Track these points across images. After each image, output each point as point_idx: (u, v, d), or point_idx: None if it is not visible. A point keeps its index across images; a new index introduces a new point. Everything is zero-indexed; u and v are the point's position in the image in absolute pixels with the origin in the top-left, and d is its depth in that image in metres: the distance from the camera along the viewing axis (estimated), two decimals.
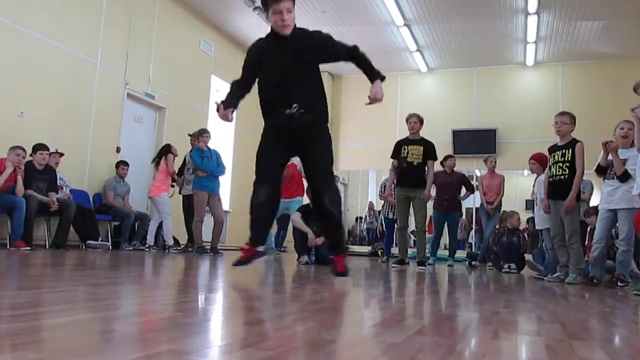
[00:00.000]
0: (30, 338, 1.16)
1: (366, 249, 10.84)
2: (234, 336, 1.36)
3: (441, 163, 7.73)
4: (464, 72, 11.08)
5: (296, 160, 6.78)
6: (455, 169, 7.82)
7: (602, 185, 4.64)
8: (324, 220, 3.39)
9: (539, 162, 5.96)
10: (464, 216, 10.94)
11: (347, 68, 11.55)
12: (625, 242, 4.38)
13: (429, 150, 6.03)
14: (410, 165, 5.97)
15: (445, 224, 7.62)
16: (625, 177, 4.37)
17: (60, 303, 1.81)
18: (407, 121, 6.22)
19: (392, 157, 6.21)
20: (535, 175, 6.26)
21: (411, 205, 6.02)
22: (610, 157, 4.45)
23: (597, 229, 4.58)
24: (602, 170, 4.52)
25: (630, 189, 4.35)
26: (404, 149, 6.08)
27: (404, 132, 10.98)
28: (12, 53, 5.97)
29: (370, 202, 11.88)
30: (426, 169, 6.03)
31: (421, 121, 6.14)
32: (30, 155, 5.80)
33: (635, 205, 4.28)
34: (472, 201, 9.43)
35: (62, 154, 6.32)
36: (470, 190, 7.77)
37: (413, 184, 5.95)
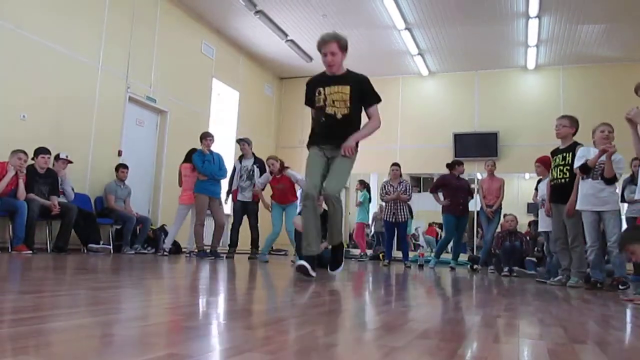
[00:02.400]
0: (31, 342, 1.16)
1: (368, 252, 10.81)
2: (234, 340, 1.36)
3: (448, 166, 7.77)
4: (465, 75, 11.08)
5: (288, 173, 6.96)
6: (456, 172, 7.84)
7: (581, 185, 4.62)
8: None
9: (544, 164, 5.98)
10: None
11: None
12: (618, 244, 4.40)
13: (363, 90, 3.86)
14: (332, 119, 3.78)
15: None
16: (613, 179, 4.41)
17: (61, 307, 1.81)
18: (319, 49, 3.80)
19: (305, 103, 3.99)
20: (537, 178, 6.29)
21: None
22: (602, 159, 4.46)
23: (588, 232, 4.57)
24: (588, 170, 4.53)
25: (614, 191, 4.53)
26: (319, 92, 3.83)
27: (405, 136, 11.13)
28: (14, 56, 5.98)
29: (381, 206, 11.87)
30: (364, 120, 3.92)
31: (342, 47, 3.78)
32: (32, 159, 5.81)
33: (617, 207, 4.51)
34: (473, 205, 9.44)
35: (70, 162, 6.32)
36: (471, 195, 7.83)
37: (337, 142, 3.79)
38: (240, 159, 7.42)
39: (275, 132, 11.90)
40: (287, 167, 7.02)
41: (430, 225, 11.80)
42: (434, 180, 8.40)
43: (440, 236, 9.90)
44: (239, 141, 7.64)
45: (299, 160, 11.45)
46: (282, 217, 7.06)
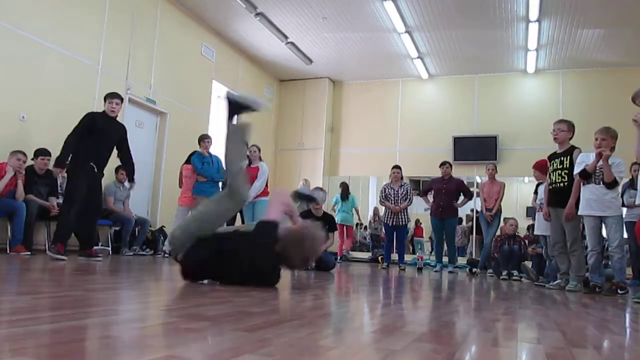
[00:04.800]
0: (29, 343, 1.16)
1: (366, 255, 10.82)
2: (233, 342, 1.36)
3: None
4: (465, 79, 11.10)
5: (263, 164, 7.00)
6: (456, 175, 7.85)
7: (583, 190, 4.63)
8: None
9: (538, 169, 6.05)
10: (464, 222, 10.95)
11: (347, 74, 11.63)
12: (619, 249, 4.43)
13: None
14: None
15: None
16: (613, 184, 4.43)
17: (59, 308, 1.81)
18: None
19: None
20: (537, 182, 6.32)
21: None
22: (599, 164, 4.47)
23: (590, 237, 4.59)
24: (588, 176, 4.54)
25: (617, 196, 4.56)
26: None
27: (404, 139, 11.14)
28: (14, 57, 5.98)
29: (375, 208, 11.83)
30: None
31: None
32: (32, 159, 5.80)
33: (620, 212, 4.53)
34: (473, 208, 9.42)
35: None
36: (468, 196, 7.78)
37: None
38: None
39: (275, 134, 11.90)
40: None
41: (418, 225, 11.77)
42: None
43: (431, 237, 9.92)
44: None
45: (299, 163, 11.49)
46: (252, 214, 7.01)
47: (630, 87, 4.36)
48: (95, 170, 5.20)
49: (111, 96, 5.29)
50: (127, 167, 5.63)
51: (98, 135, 5.14)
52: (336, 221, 9.53)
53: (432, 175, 8.13)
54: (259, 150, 7.18)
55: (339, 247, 9.74)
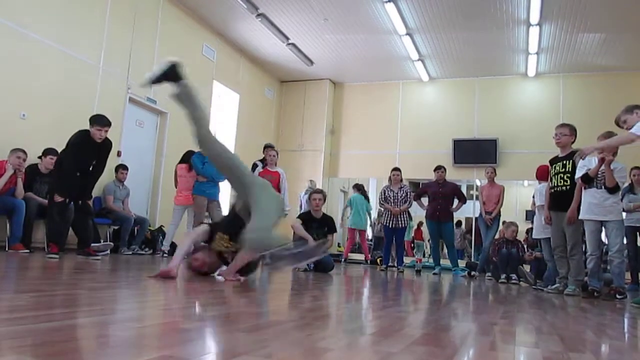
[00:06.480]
0: (27, 341, 1.16)
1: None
2: (231, 343, 1.36)
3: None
4: (466, 81, 11.10)
5: (280, 170, 7.02)
6: (456, 178, 7.84)
7: (585, 194, 4.63)
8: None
9: (537, 175, 6.09)
10: (462, 225, 10.94)
11: (348, 75, 11.64)
12: (619, 253, 4.42)
13: None
14: None
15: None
16: (615, 189, 4.43)
17: (57, 307, 1.81)
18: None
19: None
20: (537, 185, 6.34)
21: None
22: (602, 168, 4.48)
23: (589, 241, 4.59)
24: (589, 180, 4.55)
25: (618, 201, 4.56)
26: None
27: (404, 141, 11.15)
28: (14, 55, 5.98)
29: (379, 210, 11.73)
30: None
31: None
32: (39, 157, 5.82)
33: (621, 217, 4.52)
34: (471, 211, 9.42)
35: None
36: (462, 200, 7.81)
37: None
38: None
39: (275, 135, 11.89)
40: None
41: (418, 227, 11.71)
42: None
43: (429, 240, 9.91)
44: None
45: (299, 164, 11.48)
46: None
47: (631, 91, 4.39)
48: (78, 174, 5.17)
49: (101, 124, 5.15)
50: (91, 179, 5.32)
51: (82, 155, 5.14)
52: (349, 225, 9.49)
53: (432, 177, 8.11)
54: (277, 154, 7.19)
55: (346, 250, 9.71)
